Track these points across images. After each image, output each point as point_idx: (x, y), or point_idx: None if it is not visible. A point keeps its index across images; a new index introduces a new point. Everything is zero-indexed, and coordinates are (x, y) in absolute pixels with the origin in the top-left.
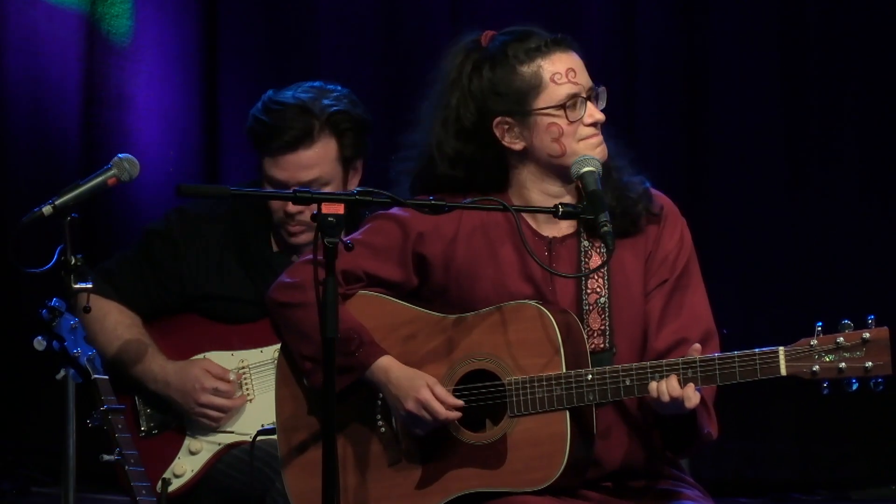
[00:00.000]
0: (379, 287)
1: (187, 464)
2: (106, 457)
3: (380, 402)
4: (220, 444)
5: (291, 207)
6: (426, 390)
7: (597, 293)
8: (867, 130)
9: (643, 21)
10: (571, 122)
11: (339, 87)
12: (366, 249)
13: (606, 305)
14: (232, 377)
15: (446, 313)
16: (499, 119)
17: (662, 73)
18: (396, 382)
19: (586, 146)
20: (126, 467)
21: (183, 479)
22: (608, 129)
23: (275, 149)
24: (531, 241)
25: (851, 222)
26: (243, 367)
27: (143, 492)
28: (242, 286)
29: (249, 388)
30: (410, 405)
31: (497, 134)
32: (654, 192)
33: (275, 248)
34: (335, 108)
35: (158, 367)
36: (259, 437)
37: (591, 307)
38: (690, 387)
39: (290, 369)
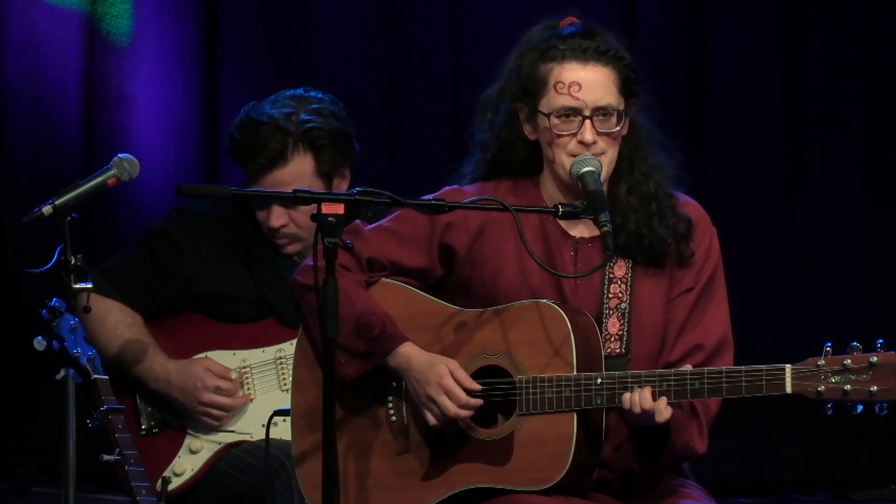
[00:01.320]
0: (403, 276)
1: (187, 463)
2: (106, 457)
3: (393, 390)
4: (220, 444)
5: (274, 221)
6: (448, 377)
7: (618, 298)
8: (869, 132)
9: (643, 21)
10: (558, 136)
11: (320, 95)
12: (392, 237)
13: (627, 311)
14: (233, 376)
15: (469, 307)
16: (519, 104)
17: (662, 72)
18: (419, 368)
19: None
20: (126, 467)
21: (183, 478)
22: (662, 149)
23: (251, 169)
24: (558, 241)
25: (851, 224)
26: (245, 367)
27: (143, 492)
28: (244, 285)
29: (251, 387)
30: (432, 390)
31: (520, 117)
32: (686, 200)
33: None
34: (310, 124)
35: (160, 366)
36: (262, 436)
37: (611, 311)
38: (663, 401)
39: (312, 352)
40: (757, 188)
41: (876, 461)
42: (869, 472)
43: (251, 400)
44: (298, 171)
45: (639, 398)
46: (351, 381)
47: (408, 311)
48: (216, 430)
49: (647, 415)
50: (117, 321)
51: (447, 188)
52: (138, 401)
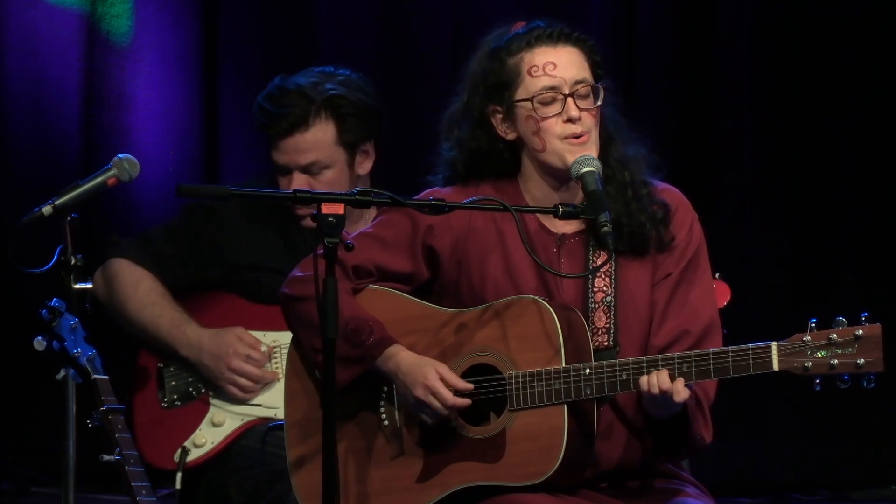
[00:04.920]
0: (390, 281)
1: (209, 435)
2: (106, 457)
3: (384, 395)
4: (244, 418)
5: (294, 187)
6: (434, 376)
7: (603, 291)
8: (866, 126)
9: (643, 21)
10: (543, 118)
11: (350, 73)
12: (376, 243)
13: (612, 304)
14: (263, 349)
15: (456, 308)
16: (492, 108)
17: (662, 73)
18: (406, 370)
19: (567, 146)
20: (126, 467)
21: (202, 450)
22: (633, 138)
23: (273, 134)
24: (540, 237)
25: (850, 217)
26: (275, 346)
27: (143, 492)
28: (281, 258)
29: (280, 365)
30: (419, 392)
31: (493, 123)
32: (665, 186)
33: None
34: (334, 92)
35: (193, 332)
36: (271, 429)
37: (597, 305)
38: (680, 381)
39: (302, 363)
40: (755, 184)
41: (876, 461)
42: (869, 472)
43: (279, 379)
44: (320, 137)
45: (657, 379)
46: (343, 387)
47: (396, 315)
48: (241, 402)
49: (666, 396)
50: (150, 289)
51: (427, 190)
52: (163, 373)
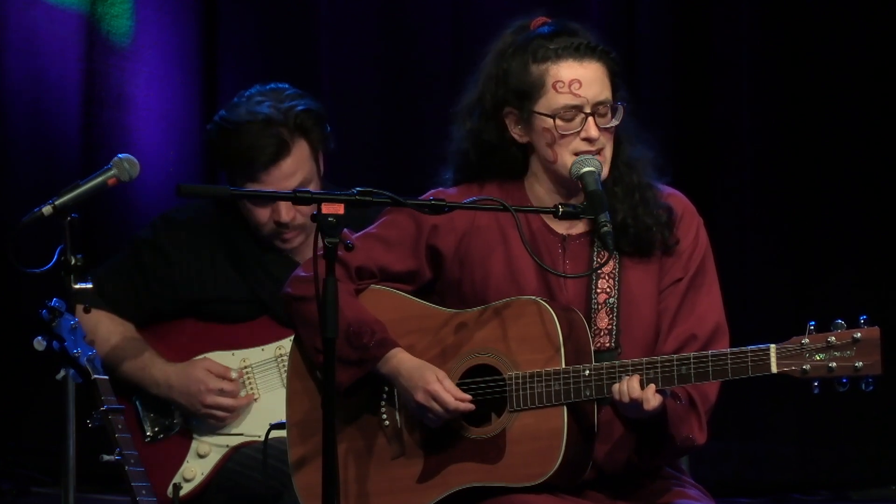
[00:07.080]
0: (392, 281)
1: (197, 467)
2: (106, 457)
3: (385, 396)
4: (228, 446)
5: (285, 216)
6: (435, 380)
7: (606, 293)
8: (866, 127)
9: (643, 21)
10: (562, 135)
11: (285, 85)
12: (379, 243)
13: (615, 306)
14: (234, 375)
15: (459, 308)
16: (507, 108)
17: (662, 72)
18: (408, 374)
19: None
20: (126, 467)
21: (194, 483)
22: (641, 141)
23: (255, 169)
24: (545, 238)
25: (849, 219)
26: (245, 367)
27: (143, 492)
28: (235, 286)
29: (253, 386)
30: (420, 396)
31: (507, 122)
32: (670, 191)
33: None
34: (299, 108)
35: (159, 371)
36: (273, 434)
37: (599, 306)
38: (650, 389)
39: (304, 363)
40: (756, 186)
41: (876, 461)
42: (869, 472)
43: (255, 400)
44: (300, 158)
45: (626, 387)
46: (344, 389)
47: (398, 315)
48: (222, 432)
49: (636, 404)
50: (109, 330)
51: (431, 191)
52: (140, 408)
